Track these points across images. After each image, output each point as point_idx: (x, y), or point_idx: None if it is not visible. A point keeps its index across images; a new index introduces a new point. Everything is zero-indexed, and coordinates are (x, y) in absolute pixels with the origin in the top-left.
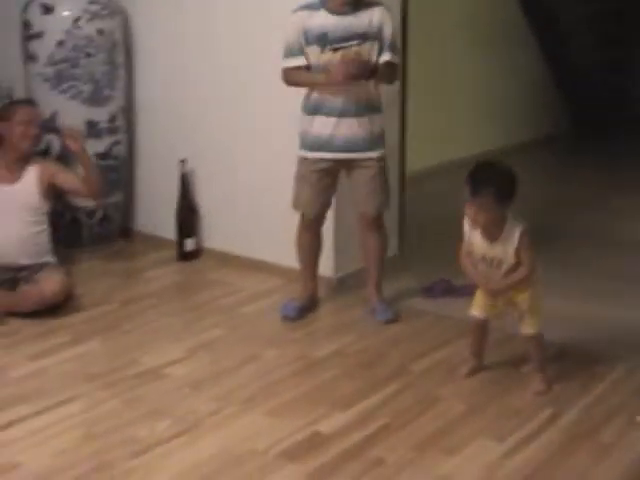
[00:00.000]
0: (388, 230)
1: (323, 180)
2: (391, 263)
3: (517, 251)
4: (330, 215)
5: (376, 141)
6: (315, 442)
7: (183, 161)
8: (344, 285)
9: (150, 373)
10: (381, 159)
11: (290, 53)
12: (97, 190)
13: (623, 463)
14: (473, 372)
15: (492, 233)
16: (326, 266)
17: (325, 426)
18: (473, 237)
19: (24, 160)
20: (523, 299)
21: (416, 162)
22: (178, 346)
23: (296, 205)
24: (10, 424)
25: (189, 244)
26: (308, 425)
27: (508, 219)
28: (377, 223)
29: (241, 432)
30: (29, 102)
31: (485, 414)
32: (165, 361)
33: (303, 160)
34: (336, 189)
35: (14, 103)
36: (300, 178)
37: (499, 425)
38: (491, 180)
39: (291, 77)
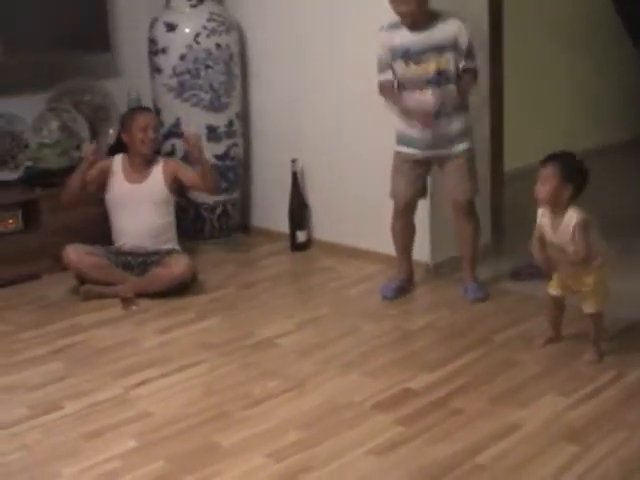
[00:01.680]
0: (482, 221)
1: (415, 171)
2: (484, 251)
3: (573, 240)
4: (426, 205)
5: (462, 136)
6: (404, 396)
7: (294, 161)
8: (439, 270)
9: (263, 343)
10: (468, 151)
11: (380, 69)
12: (213, 186)
13: None
14: (549, 342)
15: (555, 219)
16: (423, 253)
17: (414, 384)
18: (543, 222)
19: (148, 162)
20: (588, 282)
21: (516, 160)
22: (288, 321)
23: (392, 194)
24: (142, 383)
25: (300, 236)
26: (399, 383)
27: (571, 208)
28: (468, 210)
29: (340, 389)
30: (145, 109)
31: (555, 375)
32: (276, 333)
33: (398, 154)
34: (426, 181)
35: (132, 112)
36: (395, 170)
37: (567, 384)
38: (558, 157)
39: (383, 92)
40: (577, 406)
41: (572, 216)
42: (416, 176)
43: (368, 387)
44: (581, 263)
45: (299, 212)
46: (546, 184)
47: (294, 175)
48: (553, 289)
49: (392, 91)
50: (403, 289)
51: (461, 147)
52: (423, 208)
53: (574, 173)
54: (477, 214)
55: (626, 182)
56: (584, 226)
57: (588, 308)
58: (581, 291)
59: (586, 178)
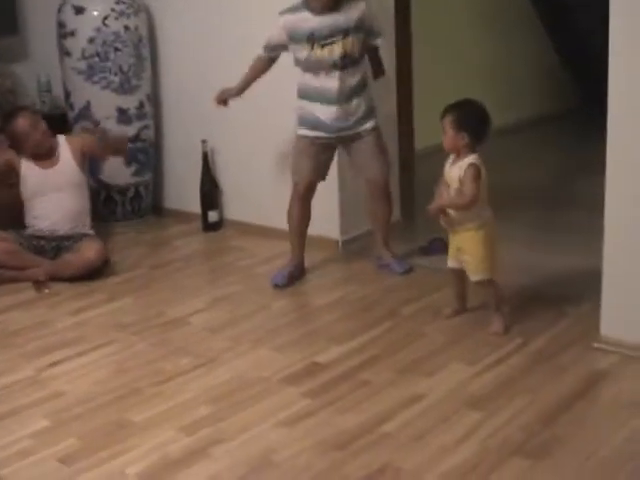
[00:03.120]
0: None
1: (321, 154)
2: (394, 227)
3: (461, 178)
4: (335, 182)
5: (368, 115)
6: (312, 370)
7: (204, 141)
8: (349, 247)
9: (175, 321)
10: (375, 129)
11: (265, 48)
12: (119, 153)
13: (572, 381)
14: (455, 313)
15: (454, 163)
16: (333, 230)
17: (322, 357)
18: (446, 167)
19: (52, 148)
20: (467, 246)
21: (427, 139)
22: (200, 300)
23: (294, 177)
24: (55, 363)
25: (212, 216)
26: (307, 357)
27: (474, 154)
28: (384, 189)
29: (250, 364)
30: (20, 109)
31: (461, 345)
32: (188, 312)
33: (302, 137)
34: (330, 163)
35: (8, 119)
36: (299, 153)
37: (472, 353)
38: (454, 107)
39: (253, 64)
40: (482, 374)
41: (467, 160)
42: (322, 159)
43: (277, 362)
44: (463, 207)
45: (210, 193)
46: (445, 133)
47: (204, 156)
48: (450, 261)
49: (256, 69)
50: (295, 276)
51: (368, 125)
52: (332, 186)
53: (469, 121)
54: (391, 194)
55: (536, 158)
56: (474, 170)
57: (473, 276)
58: (465, 261)
59: (483, 125)
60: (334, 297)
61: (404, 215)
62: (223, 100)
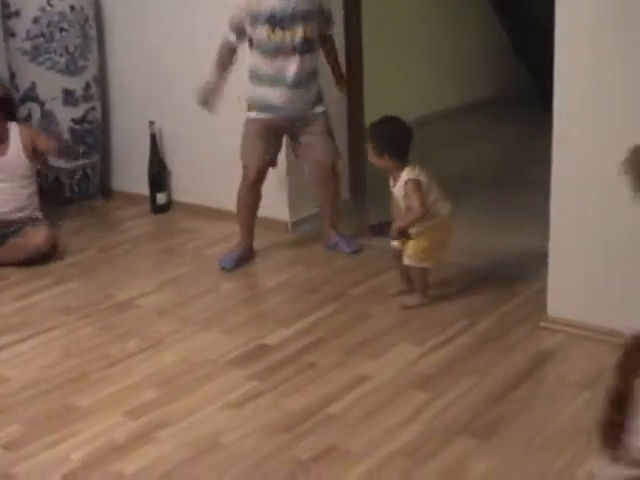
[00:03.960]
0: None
1: (272, 137)
2: (343, 208)
3: (404, 197)
4: (283, 164)
5: (318, 100)
6: (259, 352)
7: (152, 123)
8: (298, 228)
9: (122, 304)
10: (325, 113)
11: (230, 27)
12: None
13: (518, 361)
14: (401, 293)
15: (397, 179)
16: (281, 211)
17: (269, 340)
18: (391, 184)
19: (2, 135)
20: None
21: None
22: (148, 282)
23: (244, 162)
24: (0, 349)
25: (160, 198)
26: (254, 339)
27: (407, 168)
28: (333, 171)
29: (197, 346)
30: None
31: (409, 325)
32: (136, 294)
33: (253, 121)
34: (280, 147)
35: None
36: (249, 137)
37: (420, 333)
38: (372, 132)
39: (220, 51)
40: (429, 355)
41: (403, 178)
42: (272, 142)
43: (224, 344)
44: (418, 221)
45: (158, 174)
46: (374, 159)
47: (152, 137)
48: (395, 242)
49: (224, 56)
50: (244, 259)
51: (318, 110)
52: (281, 167)
53: (387, 144)
54: (340, 175)
55: (489, 138)
56: (412, 185)
57: (406, 259)
58: (407, 244)
59: (403, 142)
60: (282, 279)
61: (354, 195)
62: (207, 102)
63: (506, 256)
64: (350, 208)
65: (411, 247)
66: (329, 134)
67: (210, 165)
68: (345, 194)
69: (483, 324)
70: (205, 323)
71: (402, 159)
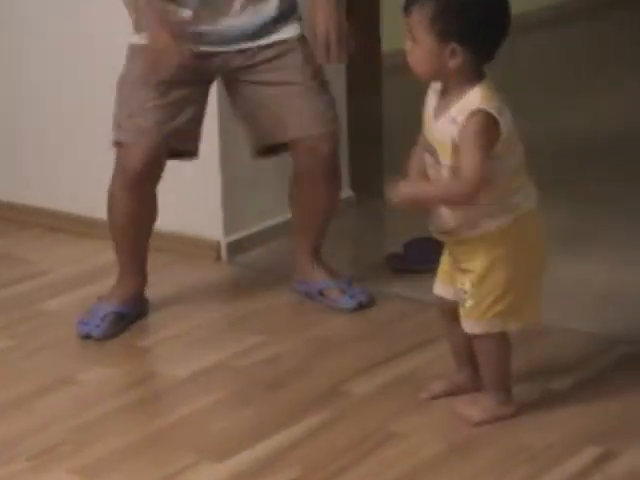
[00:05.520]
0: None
1: (179, 89)
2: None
3: (456, 141)
4: (214, 153)
5: (286, 16)
6: None
7: None
8: (236, 254)
9: None
10: (301, 39)
11: None
12: None
13: None
14: (453, 393)
15: (445, 100)
16: (211, 226)
17: None
18: (428, 104)
19: None
20: (472, 268)
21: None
22: None
23: (119, 129)
24: None
25: None
26: None
27: (477, 86)
28: (330, 159)
29: None
30: None
31: (467, 464)
32: None
33: (140, 52)
34: (203, 114)
35: None
36: (133, 82)
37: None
38: None
39: None
40: None
41: (471, 101)
42: (178, 102)
43: None
44: (459, 201)
45: None
46: (414, 44)
47: None
48: (439, 285)
49: None
50: (127, 317)
51: (289, 32)
52: (211, 157)
53: (464, 18)
54: (340, 169)
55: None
56: (480, 123)
57: (466, 322)
58: (463, 288)
59: (493, 22)
60: (209, 361)
61: (359, 194)
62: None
63: None
64: (352, 216)
65: (471, 294)
66: (317, 82)
67: (40, 150)
68: (344, 191)
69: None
70: (44, 456)
71: (487, 61)
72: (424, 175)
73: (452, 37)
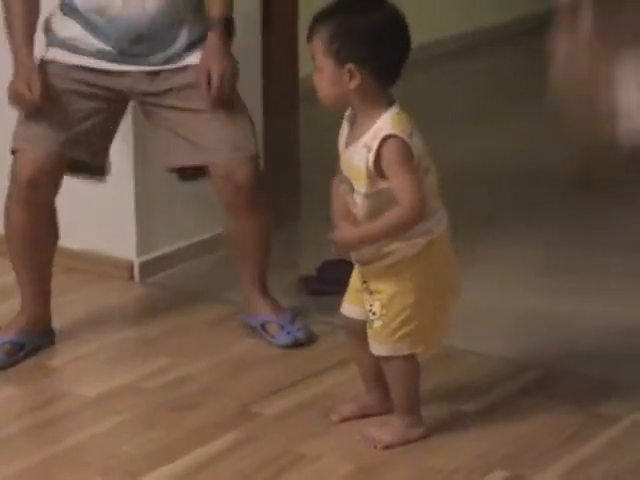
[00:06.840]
0: None
1: (80, 103)
2: None
3: (375, 167)
4: (128, 170)
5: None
6: None
7: None
8: (150, 274)
9: None
10: None
11: None
12: None
13: None
14: (362, 416)
15: (358, 126)
16: (124, 246)
17: None
18: (341, 133)
19: None
20: (382, 289)
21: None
22: None
23: (17, 139)
24: None
25: None
26: None
27: (392, 109)
28: (249, 189)
29: None
30: None
31: None
32: None
33: (50, 64)
34: (110, 129)
35: None
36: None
37: None
38: (336, 24)
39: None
40: None
41: (382, 127)
42: (84, 115)
43: None
44: (407, 224)
45: None
46: (317, 69)
47: None
48: (347, 303)
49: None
50: (27, 346)
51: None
52: (124, 170)
53: (357, 45)
54: (266, 196)
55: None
56: (399, 149)
57: (374, 344)
58: (371, 310)
59: (390, 40)
60: (116, 383)
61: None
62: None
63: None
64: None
65: (380, 315)
66: (231, 107)
67: None
68: None
69: None
70: None
71: (389, 83)
72: (348, 208)
73: (349, 59)
